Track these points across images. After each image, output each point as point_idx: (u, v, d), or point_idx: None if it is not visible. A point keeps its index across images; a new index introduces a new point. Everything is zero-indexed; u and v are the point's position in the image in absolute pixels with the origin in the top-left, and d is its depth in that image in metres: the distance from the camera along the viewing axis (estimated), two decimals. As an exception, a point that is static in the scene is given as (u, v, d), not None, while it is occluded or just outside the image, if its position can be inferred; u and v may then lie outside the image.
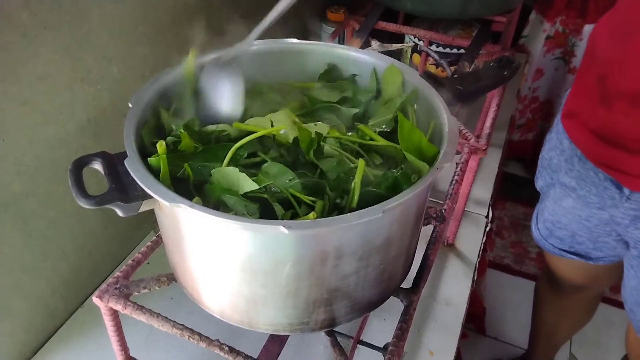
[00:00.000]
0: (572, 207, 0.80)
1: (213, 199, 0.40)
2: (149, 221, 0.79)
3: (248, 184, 0.39)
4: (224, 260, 0.38)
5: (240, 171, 0.39)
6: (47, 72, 0.55)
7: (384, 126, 0.50)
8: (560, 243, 0.87)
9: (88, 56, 0.60)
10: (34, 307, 0.63)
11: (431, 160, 0.43)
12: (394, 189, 0.41)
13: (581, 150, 0.74)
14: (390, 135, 0.49)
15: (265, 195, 0.39)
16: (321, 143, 0.44)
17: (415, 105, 0.51)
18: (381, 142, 0.47)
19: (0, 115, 0.52)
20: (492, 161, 1.02)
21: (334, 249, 0.37)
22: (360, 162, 0.42)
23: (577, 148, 0.74)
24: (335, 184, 0.42)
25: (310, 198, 0.40)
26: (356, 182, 0.40)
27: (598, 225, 0.79)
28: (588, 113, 0.71)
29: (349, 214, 0.35)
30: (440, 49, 1.01)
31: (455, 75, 0.56)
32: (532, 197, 0.97)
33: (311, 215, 0.38)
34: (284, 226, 0.33)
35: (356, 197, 0.40)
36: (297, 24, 1.09)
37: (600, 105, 0.66)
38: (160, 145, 0.40)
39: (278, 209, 0.39)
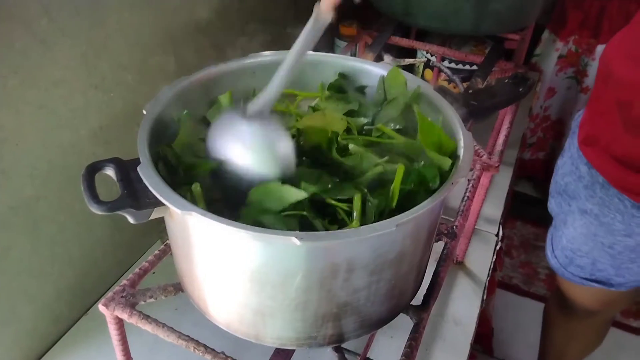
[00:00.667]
0: (593, 235, 0.77)
1: (250, 221, 0.37)
2: (156, 230, 0.79)
3: (294, 194, 0.37)
4: (233, 270, 0.38)
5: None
6: (63, 78, 0.56)
7: (391, 124, 0.50)
8: (581, 271, 0.84)
9: (103, 64, 0.60)
10: (39, 312, 0.62)
11: (451, 155, 0.42)
12: (421, 184, 0.40)
13: (605, 177, 0.71)
14: (402, 134, 0.49)
15: (304, 212, 0.38)
16: (343, 141, 0.44)
17: (430, 119, 0.50)
18: (400, 139, 0.47)
19: (17, 119, 0.52)
20: (503, 179, 1.01)
21: (345, 262, 0.36)
22: (400, 167, 0.40)
23: (598, 174, 0.72)
24: (364, 182, 0.41)
25: (345, 205, 0.39)
26: (395, 187, 0.39)
27: (623, 252, 0.76)
28: (610, 139, 0.68)
29: (361, 227, 0.34)
30: (453, 65, 1.01)
31: (470, 91, 0.55)
32: (542, 217, 0.95)
33: (355, 223, 0.37)
34: (295, 237, 0.33)
35: (395, 199, 0.39)
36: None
37: (625, 132, 0.64)
38: (196, 187, 0.39)
39: (318, 224, 0.38)
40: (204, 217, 0.34)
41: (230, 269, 0.38)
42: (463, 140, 0.43)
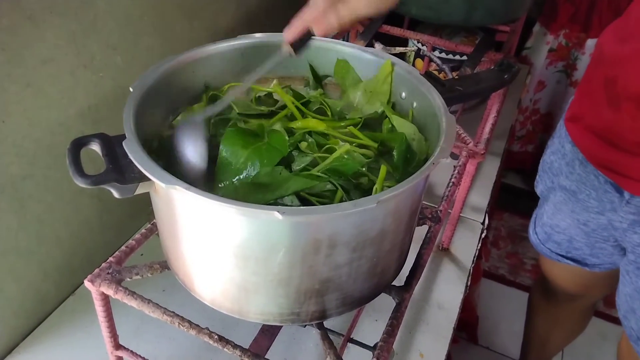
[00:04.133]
0: (571, 211, 0.80)
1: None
2: (145, 212, 0.79)
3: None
4: (217, 245, 0.38)
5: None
6: (51, 57, 0.56)
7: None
8: (558, 247, 0.88)
9: (92, 43, 0.60)
10: (25, 292, 0.63)
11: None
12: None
13: (583, 153, 0.74)
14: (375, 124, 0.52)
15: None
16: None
17: (415, 104, 0.51)
18: (370, 143, 0.48)
19: (3, 97, 0.52)
20: (491, 169, 1.02)
21: (327, 238, 0.37)
22: (382, 167, 0.43)
23: (579, 151, 0.75)
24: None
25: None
26: (377, 188, 0.42)
27: (596, 230, 0.79)
28: (593, 116, 0.71)
29: (343, 203, 0.35)
30: (443, 54, 1.02)
31: (456, 77, 0.56)
32: (529, 209, 0.98)
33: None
34: (278, 211, 0.33)
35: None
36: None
37: (607, 107, 0.66)
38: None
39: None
40: (187, 191, 0.34)
41: (214, 243, 0.39)
42: (445, 123, 0.44)
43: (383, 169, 0.43)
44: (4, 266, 0.59)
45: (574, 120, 0.77)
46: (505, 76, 0.56)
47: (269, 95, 0.55)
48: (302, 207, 0.36)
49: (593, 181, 0.74)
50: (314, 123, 0.48)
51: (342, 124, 0.49)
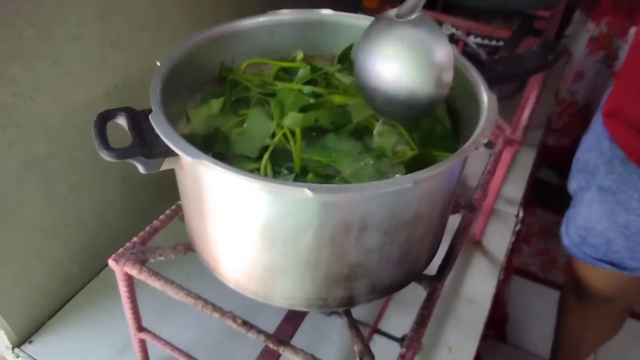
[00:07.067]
0: (609, 213, 0.75)
1: None
2: (170, 197, 0.78)
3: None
4: (243, 224, 0.37)
5: None
6: (79, 34, 0.55)
7: None
8: (594, 251, 0.82)
9: (120, 21, 0.59)
10: (50, 271, 0.63)
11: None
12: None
13: (624, 152, 0.69)
14: None
15: None
16: None
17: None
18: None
19: (32, 73, 0.52)
20: (526, 160, 0.99)
21: (358, 219, 0.35)
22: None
23: (619, 149, 0.70)
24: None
25: None
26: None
27: (637, 233, 0.74)
28: (635, 110, 0.67)
29: (377, 182, 0.33)
30: (479, 39, 0.98)
31: (496, 57, 0.53)
32: (563, 205, 0.93)
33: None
34: (308, 189, 0.31)
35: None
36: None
37: None
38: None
39: None
40: (214, 166, 0.33)
41: (240, 222, 0.37)
42: (487, 102, 0.41)
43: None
44: (30, 244, 0.59)
45: (613, 116, 0.72)
46: (549, 57, 0.52)
47: (286, 71, 0.53)
48: (333, 185, 0.34)
49: (636, 181, 0.69)
50: (340, 98, 0.45)
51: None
